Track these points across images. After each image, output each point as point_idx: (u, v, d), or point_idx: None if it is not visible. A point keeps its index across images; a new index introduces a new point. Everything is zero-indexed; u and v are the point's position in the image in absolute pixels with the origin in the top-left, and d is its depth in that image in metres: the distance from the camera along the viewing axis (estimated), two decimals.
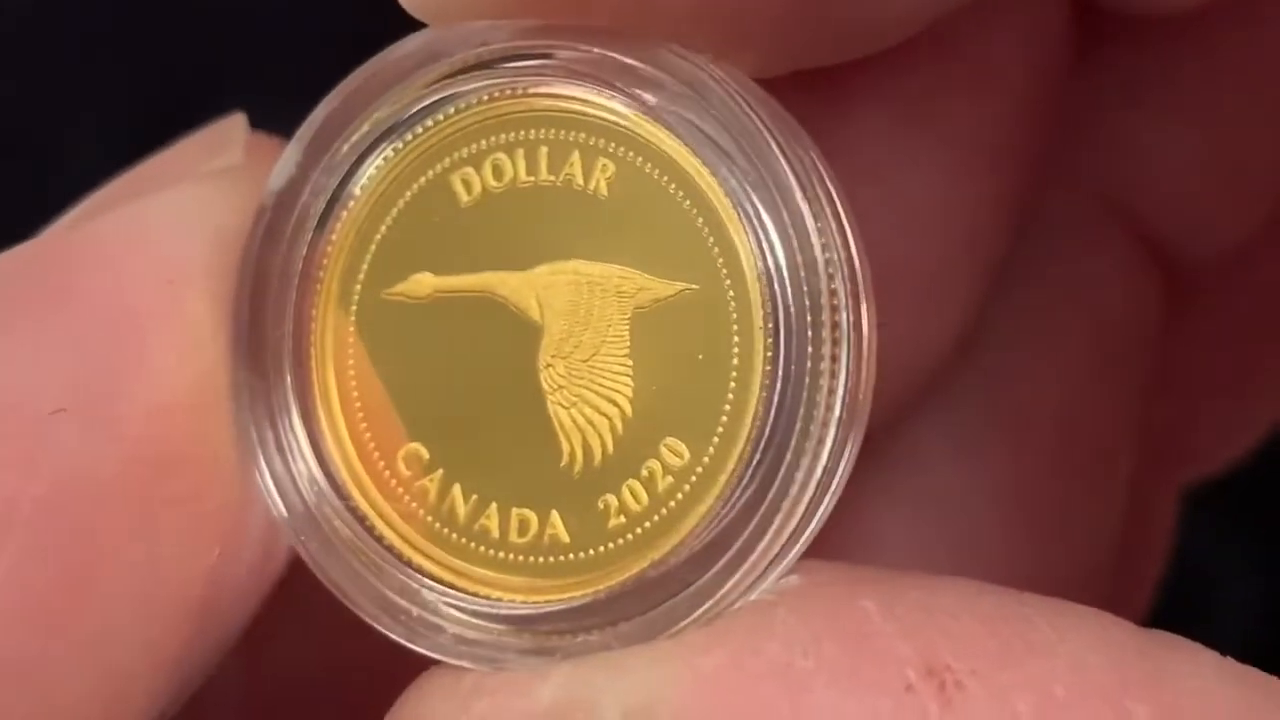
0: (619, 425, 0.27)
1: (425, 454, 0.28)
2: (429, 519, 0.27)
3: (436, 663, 0.27)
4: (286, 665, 0.35)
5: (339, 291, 0.28)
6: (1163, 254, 0.39)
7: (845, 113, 0.33)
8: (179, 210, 0.29)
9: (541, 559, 0.27)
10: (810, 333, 0.26)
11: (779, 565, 0.26)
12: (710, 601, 0.26)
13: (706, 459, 0.26)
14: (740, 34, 0.28)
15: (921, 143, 0.34)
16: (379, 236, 0.28)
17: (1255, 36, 0.37)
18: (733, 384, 0.26)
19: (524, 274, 0.27)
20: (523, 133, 0.27)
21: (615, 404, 0.27)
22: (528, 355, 0.27)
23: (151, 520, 0.27)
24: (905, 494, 0.38)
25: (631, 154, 0.27)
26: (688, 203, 0.27)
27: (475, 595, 0.27)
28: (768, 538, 0.26)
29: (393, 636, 0.27)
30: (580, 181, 0.27)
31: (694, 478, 0.26)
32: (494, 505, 0.27)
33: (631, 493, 0.27)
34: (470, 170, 0.28)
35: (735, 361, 0.26)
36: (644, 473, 0.27)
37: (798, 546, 0.26)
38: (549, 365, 0.27)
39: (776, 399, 0.26)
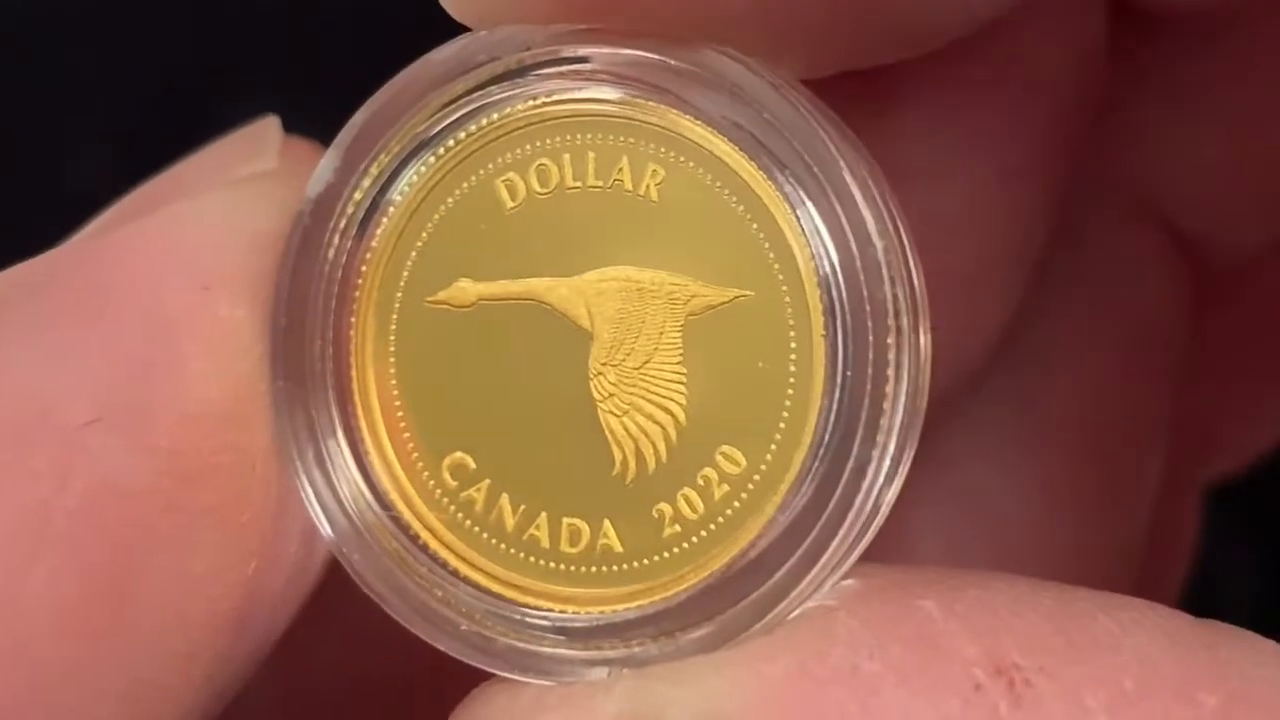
0: (673, 433, 0.26)
1: (471, 463, 0.27)
2: (476, 529, 0.27)
3: (483, 675, 0.27)
4: (320, 675, 0.35)
5: (379, 299, 0.27)
6: (1192, 252, 0.39)
7: (888, 114, 0.33)
8: (214, 216, 0.28)
9: (594, 569, 0.27)
10: (872, 337, 0.26)
11: (839, 570, 0.26)
12: (774, 611, 0.26)
13: (764, 466, 0.26)
14: (787, 37, 0.27)
15: (963, 145, 0.34)
16: (420, 243, 0.27)
17: None
18: (790, 390, 0.26)
19: (572, 280, 0.27)
20: (569, 137, 0.27)
21: (669, 412, 0.27)
22: (576, 363, 0.27)
23: (187, 532, 0.26)
24: (938, 492, 0.38)
25: (682, 158, 0.27)
26: (741, 208, 0.26)
27: (526, 606, 0.27)
28: (834, 544, 0.26)
29: (442, 649, 0.27)
30: (629, 186, 0.27)
31: (751, 485, 0.26)
32: (543, 515, 0.27)
33: (687, 501, 0.26)
34: (515, 175, 0.27)
35: (792, 368, 0.26)
36: (699, 481, 0.26)
37: (857, 551, 0.26)
38: (599, 373, 0.27)
39: (836, 405, 0.26)
